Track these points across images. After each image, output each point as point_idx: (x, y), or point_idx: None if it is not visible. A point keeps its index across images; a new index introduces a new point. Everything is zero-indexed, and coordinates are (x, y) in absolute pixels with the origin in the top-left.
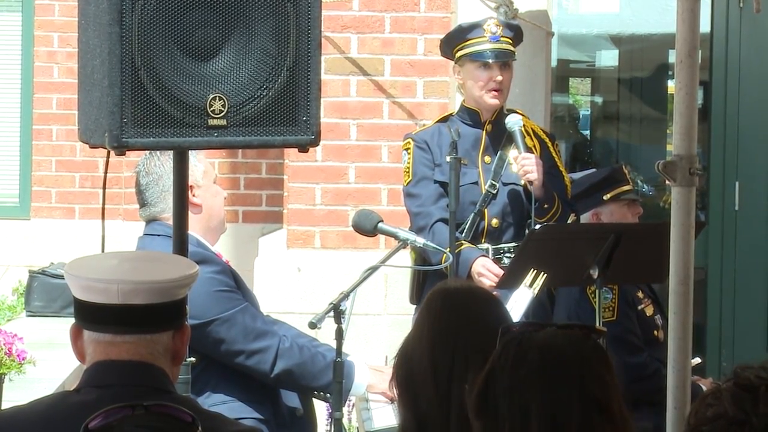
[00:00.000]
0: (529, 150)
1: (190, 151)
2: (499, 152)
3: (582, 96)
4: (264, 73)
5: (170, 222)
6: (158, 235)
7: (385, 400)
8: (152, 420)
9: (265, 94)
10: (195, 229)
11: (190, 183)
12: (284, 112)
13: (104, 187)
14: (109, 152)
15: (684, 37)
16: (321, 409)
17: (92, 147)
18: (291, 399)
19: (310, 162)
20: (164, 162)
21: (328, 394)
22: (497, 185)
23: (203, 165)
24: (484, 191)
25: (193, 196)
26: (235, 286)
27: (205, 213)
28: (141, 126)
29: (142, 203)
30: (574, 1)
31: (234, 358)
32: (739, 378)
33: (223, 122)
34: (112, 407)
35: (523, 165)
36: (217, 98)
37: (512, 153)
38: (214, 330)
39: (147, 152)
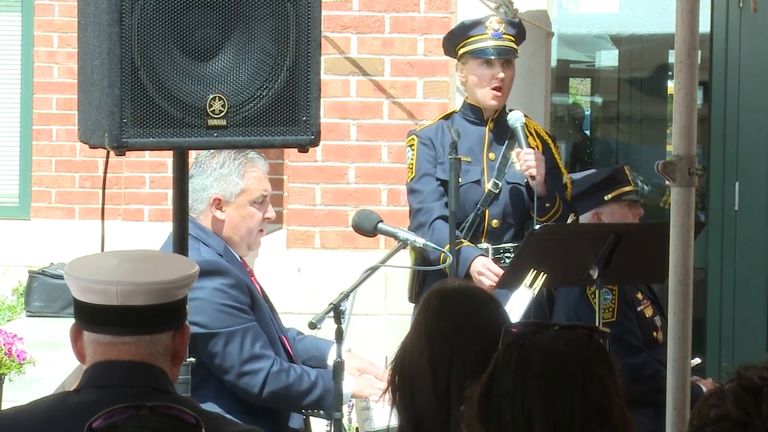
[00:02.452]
0: (528, 147)
1: (236, 167)
2: (503, 150)
3: (582, 96)
4: (264, 73)
5: (196, 220)
6: None
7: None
8: (156, 421)
9: (264, 94)
10: (221, 233)
11: (217, 195)
12: (284, 112)
13: (104, 188)
14: (108, 152)
15: (683, 37)
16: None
17: (92, 147)
18: (294, 421)
19: (310, 162)
20: (207, 162)
21: (320, 411)
22: (500, 184)
23: (245, 184)
24: (486, 190)
25: (218, 209)
26: (248, 302)
27: (227, 230)
28: (141, 126)
29: None
30: (574, 2)
31: (224, 374)
32: (742, 379)
33: (223, 122)
34: (116, 407)
35: (526, 160)
36: (217, 98)
37: (514, 149)
38: (211, 343)
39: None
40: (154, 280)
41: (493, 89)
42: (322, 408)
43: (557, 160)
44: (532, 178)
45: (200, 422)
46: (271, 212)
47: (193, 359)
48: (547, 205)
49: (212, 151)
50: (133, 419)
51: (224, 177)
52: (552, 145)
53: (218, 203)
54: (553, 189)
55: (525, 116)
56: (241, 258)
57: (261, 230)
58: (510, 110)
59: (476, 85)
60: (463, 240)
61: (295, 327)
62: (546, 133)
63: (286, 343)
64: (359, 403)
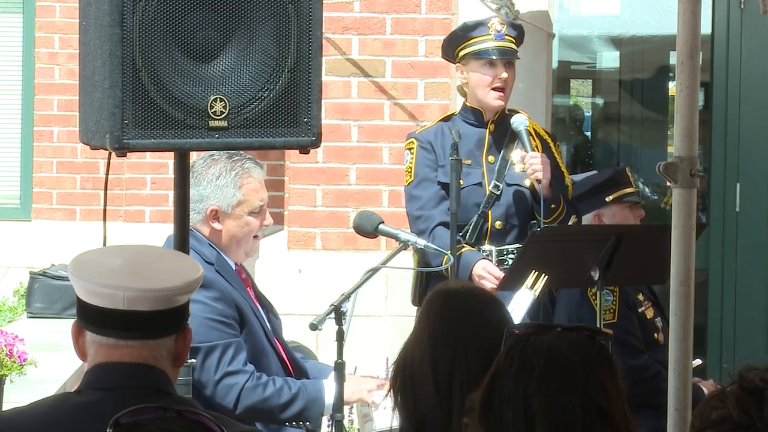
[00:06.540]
0: (533, 150)
1: (233, 179)
2: (502, 152)
3: (583, 98)
4: (265, 74)
5: (194, 228)
6: None
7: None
8: (182, 426)
9: (266, 95)
10: (218, 242)
11: (214, 206)
12: (285, 114)
13: (105, 189)
14: (110, 154)
15: (685, 38)
16: None
17: (93, 148)
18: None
19: (311, 163)
20: (204, 171)
21: (306, 423)
22: (501, 186)
23: (242, 195)
24: (487, 192)
25: (215, 220)
26: (233, 315)
27: (224, 239)
28: (142, 127)
29: None
30: (575, 3)
31: (202, 388)
32: (744, 381)
33: (224, 123)
34: (144, 406)
35: (531, 164)
36: (218, 99)
37: (517, 153)
38: (193, 356)
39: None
40: (160, 287)
41: (496, 89)
42: (308, 420)
43: (558, 159)
44: (538, 181)
45: (224, 431)
46: (268, 219)
47: (193, 360)
48: (553, 206)
49: (207, 160)
50: (159, 421)
51: (221, 189)
52: (552, 145)
53: (215, 214)
54: (558, 190)
55: (526, 116)
56: (236, 265)
57: (256, 236)
58: (509, 111)
59: (478, 86)
60: (464, 244)
61: (296, 329)
62: (546, 132)
63: (282, 353)
64: (360, 408)
